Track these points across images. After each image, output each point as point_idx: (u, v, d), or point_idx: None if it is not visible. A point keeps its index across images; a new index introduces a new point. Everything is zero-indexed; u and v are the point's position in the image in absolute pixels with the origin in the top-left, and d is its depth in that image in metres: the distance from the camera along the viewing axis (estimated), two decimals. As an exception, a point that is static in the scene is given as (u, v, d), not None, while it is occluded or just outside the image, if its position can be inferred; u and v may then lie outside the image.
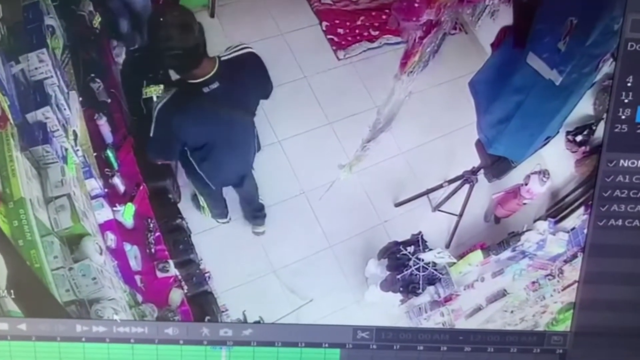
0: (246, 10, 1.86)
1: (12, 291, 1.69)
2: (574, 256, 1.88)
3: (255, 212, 2.14)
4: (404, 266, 1.99)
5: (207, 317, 1.96)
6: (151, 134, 1.82)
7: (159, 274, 1.96)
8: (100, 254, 1.80)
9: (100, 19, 1.79)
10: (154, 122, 1.79)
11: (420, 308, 2.03)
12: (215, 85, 1.74)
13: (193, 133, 1.85)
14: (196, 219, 2.08)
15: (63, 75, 1.77)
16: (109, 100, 1.89)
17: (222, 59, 1.77)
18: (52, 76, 1.71)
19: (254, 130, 1.95)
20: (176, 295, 1.95)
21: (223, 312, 1.99)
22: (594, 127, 1.82)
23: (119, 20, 1.84)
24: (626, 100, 1.59)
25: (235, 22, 1.88)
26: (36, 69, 1.69)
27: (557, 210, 1.95)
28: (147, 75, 1.82)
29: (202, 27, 1.70)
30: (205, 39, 1.71)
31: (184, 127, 1.81)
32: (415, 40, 1.81)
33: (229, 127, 1.89)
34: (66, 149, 1.77)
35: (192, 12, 1.69)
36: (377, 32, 2.09)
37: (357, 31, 2.11)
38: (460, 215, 2.08)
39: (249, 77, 1.83)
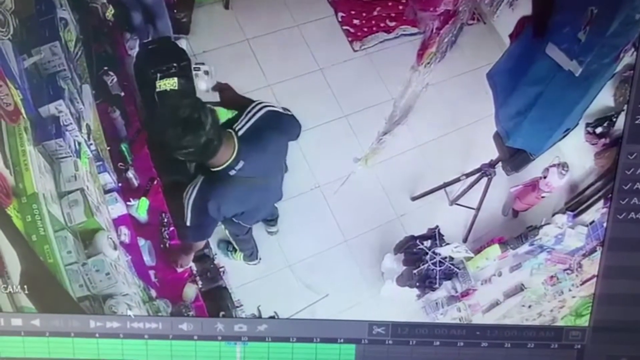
0: (261, 1, 1.84)
1: (25, 287, 1.69)
2: (593, 250, 1.86)
3: (270, 217, 2.14)
4: (420, 261, 1.98)
5: (222, 313, 1.96)
6: (188, 223, 1.73)
7: (173, 269, 1.96)
8: (114, 249, 1.79)
9: (113, 11, 1.78)
10: (189, 212, 1.71)
11: (436, 303, 2.03)
12: (240, 165, 1.63)
13: (232, 210, 1.79)
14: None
15: (76, 68, 1.77)
16: (123, 94, 1.88)
17: (240, 133, 1.65)
18: (65, 69, 1.70)
19: (284, 162, 1.89)
20: (190, 291, 1.95)
21: (238, 307, 1.98)
22: (614, 119, 1.81)
23: (132, 12, 1.84)
24: (648, 91, 1.57)
25: (250, 14, 1.87)
26: (49, 62, 1.68)
27: (576, 203, 1.94)
28: (161, 68, 1.81)
29: (214, 113, 1.55)
30: (219, 125, 1.57)
31: (221, 209, 1.73)
32: (432, 30, 1.80)
33: (266, 187, 1.82)
34: (79, 143, 1.76)
35: (201, 101, 1.54)
36: (393, 23, 2.08)
37: (373, 22, 2.10)
38: (478, 209, 2.06)
39: (272, 138, 1.72)
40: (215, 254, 2.02)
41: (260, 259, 2.11)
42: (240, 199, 1.75)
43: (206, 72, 1.90)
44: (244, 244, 2.07)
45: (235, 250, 2.09)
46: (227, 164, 1.62)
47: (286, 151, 1.81)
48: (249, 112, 1.68)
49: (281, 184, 1.91)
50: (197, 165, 1.72)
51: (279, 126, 1.73)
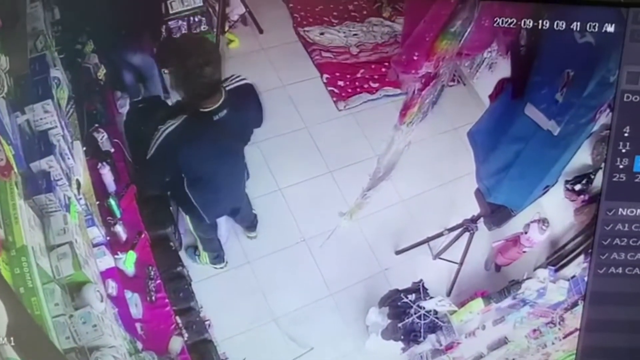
0: (250, 62, 1.89)
1: (12, 338, 1.68)
2: (575, 304, 1.88)
3: (250, 224, 2.17)
4: (405, 314, 1.98)
5: (207, 366, 1.95)
6: (148, 156, 1.78)
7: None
8: (101, 301, 1.79)
9: (105, 71, 1.82)
10: (156, 145, 1.76)
11: (421, 356, 2.02)
12: (223, 113, 1.76)
13: (198, 162, 1.85)
14: (197, 267, 2.09)
15: (67, 125, 1.80)
16: (113, 150, 1.91)
17: (227, 88, 1.78)
18: (56, 126, 1.73)
19: (244, 160, 1.97)
20: (176, 343, 1.94)
21: (223, 360, 1.98)
22: (592, 176, 1.84)
23: (123, 72, 1.88)
24: (624, 150, 1.60)
25: (240, 74, 1.91)
26: (41, 119, 1.71)
27: (557, 258, 1.96)
28: (151, 125, 1.84)
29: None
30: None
31: (191, 155, 1.81)
32: (414, 92, 1.84)
33: (229, 156, 1.91)
34: (69, 198, 1.78)
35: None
36: (376, 84, 2.13)
37: (357, 83, 2.15)
38: (461, 264, 2.08)
39: (248, 105, 1.86)
40: (201, 307, 2.02)
41: (226, 262, 2.14)
42: (210, 151, 1.83)
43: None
44: (208, 244, 2.11)
45: (200, 254, 2.12)
46: (216, 106, 1.75)
47: (251, 135, 1.92)
48: (232, 78, 1.83)
49: (243, 187, 2.01)
50: (184, 105, 1.79)
51: (255, 98, 1.88)
